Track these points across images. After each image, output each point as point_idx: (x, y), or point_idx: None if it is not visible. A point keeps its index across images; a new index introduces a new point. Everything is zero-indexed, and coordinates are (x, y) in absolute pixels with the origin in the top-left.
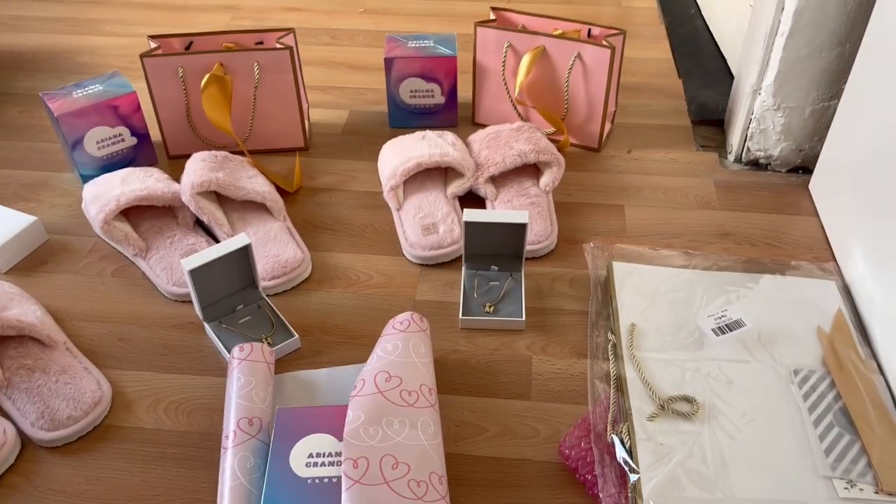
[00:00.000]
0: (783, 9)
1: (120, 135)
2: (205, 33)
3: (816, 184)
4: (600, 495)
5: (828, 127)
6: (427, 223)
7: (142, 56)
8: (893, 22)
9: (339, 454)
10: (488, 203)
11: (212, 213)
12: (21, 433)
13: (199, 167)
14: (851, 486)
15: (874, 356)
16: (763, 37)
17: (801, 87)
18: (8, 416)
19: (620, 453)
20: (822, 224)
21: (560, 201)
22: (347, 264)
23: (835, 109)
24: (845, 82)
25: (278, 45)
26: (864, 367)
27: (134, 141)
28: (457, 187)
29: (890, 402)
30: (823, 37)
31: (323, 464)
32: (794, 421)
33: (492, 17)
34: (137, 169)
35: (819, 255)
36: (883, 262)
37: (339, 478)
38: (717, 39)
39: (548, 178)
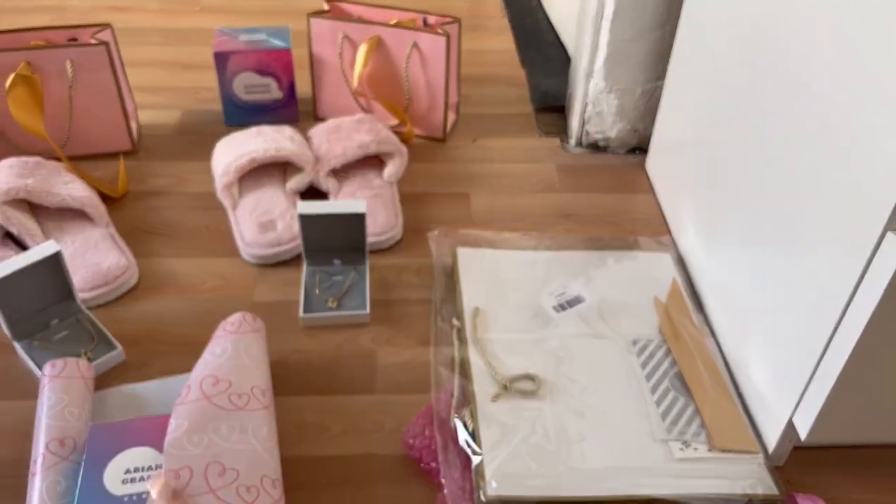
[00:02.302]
0: None
1: None
2: (9, 31)
3: (651, 162)
4: (443, 481)
5: (658, 107)
6: (264, 220)
7: None
8: (704, 3)
9: (160, 467)
10: (331, 197)
11: (22, 224)
12: None
13: (5, 174)
14: (686, 447)
15: (707, 322)
16: (591, 21)
17: (629, 70)
18: None
19: (463, 436)
20: (657, 200)
21: (406, 192)
22: (180, 269)
23: (662, 90)
24: (669, 63)
25: (93, 41)
26: (697, 333)
27: None
28: (297, 182)
29: (721, 364)
30: (645, 19)
31: (142, 478)
32: (633, 389)
33: (325, 7)
34: None
35: (657, 229)
36: (710, 233)
37: None
38: (556, 29)
39: (391, 169)
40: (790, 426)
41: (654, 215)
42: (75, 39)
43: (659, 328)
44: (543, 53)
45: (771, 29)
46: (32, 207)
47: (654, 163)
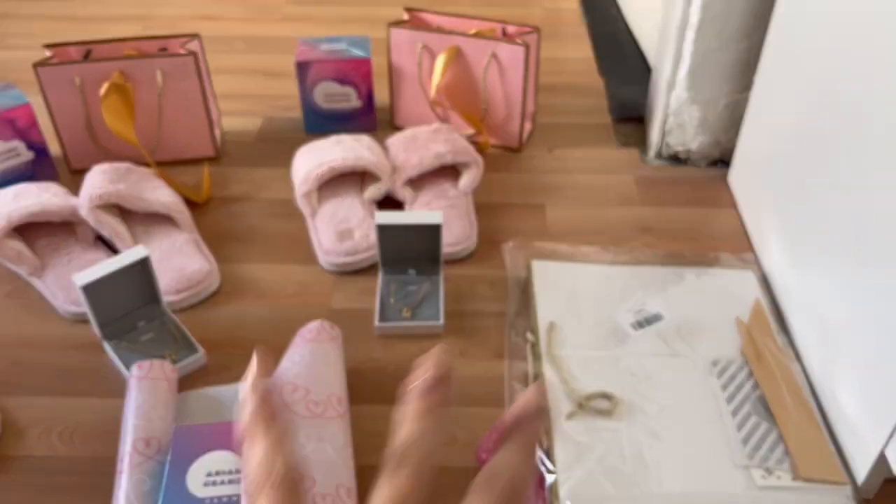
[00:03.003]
0: (691, 2)
1: (15, 149)
2: (104, 41)
3: (734, 176)
4: None
5: (743, 119)
6: (342, 229)
7: (35, 65)
8: (795, 13)
9: (239, 472)
10: (407, 207)
11: (113, 228)
12: None
13: (98, 179)
14: (769, 475)
15: (791, 344)
16: (674, 30)
17: (713, 80)
18: None
19: (537, 454)
20: (740, 216)
21: (481, 202)
22: (259, 275)
23: (748, 101)
24: (756, 74)
25: (182, 51)
26: (781, 356)
27: (31, 155)
28: (374, 192)
29: (807, 388)
30: (731, 29)
31: (222, 482)
32: (713, 412)
33: (405, 17)
34: (33, 184)
35: (738, 246)
36: (798, 251)
37: (239, 496)
38: (636, 38)
39: (466, 180)
40: (882, 458)
41: (736, 231)
42: (165, 49)
43: (741, 349)
44: (623, 62)
45: (869, 38)
46: (122, 211)
47: (738, 176)
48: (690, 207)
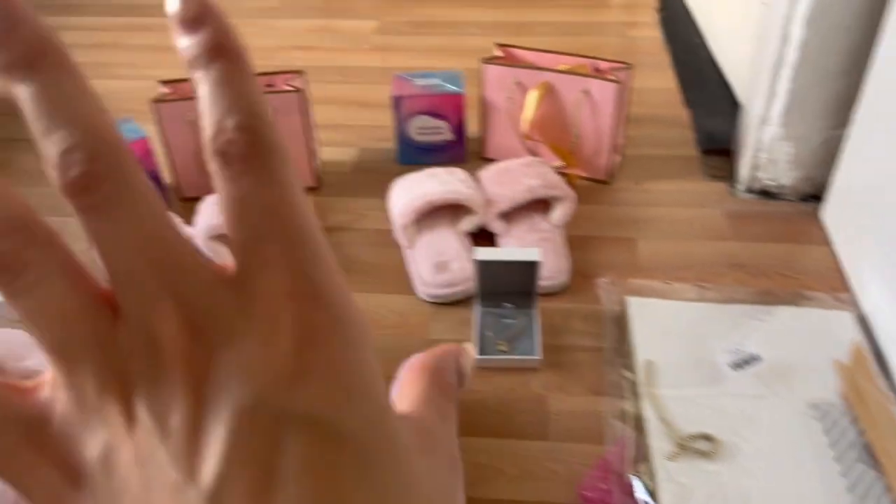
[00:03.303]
0: (788, 40)
1: None
2: None
3: (828, 212)
4: None
5: (838, 155)
6: (439, 261)
7: (153, 101)
8: None
9: None
10: (499, 239)
11: (226, 257)
12: None
13: (212, 211)
14: None
15: (894, 388)
16: (769, 67)
17: (809, 117)
18: None
19: (641, 495)
20: (834, 253)
21: (571, 235)
22: (361, 304)
23: (845, 138)
24: (854, 111)
25: (288, 88)
26: (885, 401)
27: None
28: (468, 224)
29: None
30: (830, 67)
31: None
32: (816, 457)
33: (497, 53)
34: None
35: (833, 284)
36: None
37: None
38: (722, 68)
39: (559, 213)
40: None
41: (830, 268)
42: (271, 85)
43: (841, 393)
44: (708, 93)
45: None
46: None
47: (833, 213)
48: (782, 243)
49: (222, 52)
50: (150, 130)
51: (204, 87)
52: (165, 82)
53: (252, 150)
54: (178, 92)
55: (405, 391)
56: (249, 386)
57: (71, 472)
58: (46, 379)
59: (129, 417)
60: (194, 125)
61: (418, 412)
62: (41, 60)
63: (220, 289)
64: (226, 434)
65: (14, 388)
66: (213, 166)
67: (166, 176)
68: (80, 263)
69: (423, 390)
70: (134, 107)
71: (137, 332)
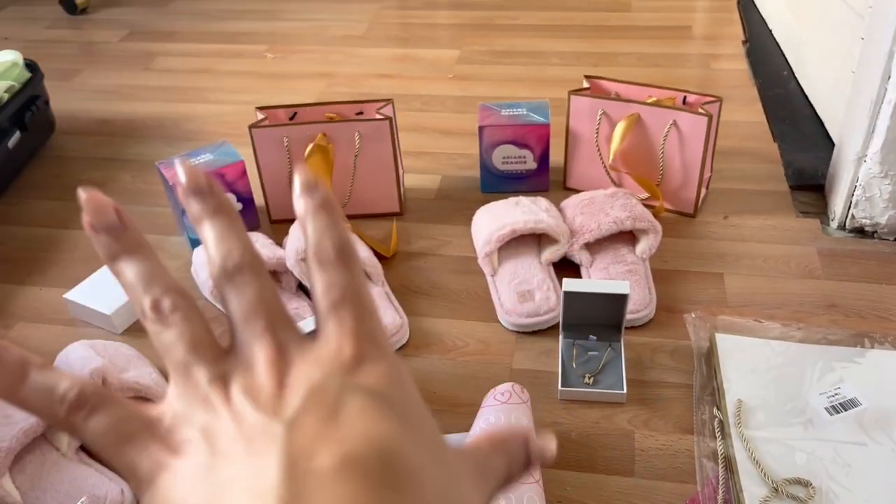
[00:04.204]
0: (889, 77)
1: None
2: (308, 104)
3: None
4: None
5: None
6: (522, 290)
7: (250, 127)
8: None
9: None
10: (583, 270)
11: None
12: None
13: (300, 235)
14: None
15: None
16: (868, 104)
17: None
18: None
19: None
20: None
21: (656, 268)
22: (444, 330)
23: None
24: None
25: (378, 116)
26: None
27: (239, 206)
28: (551, 254)
29: None
30: None
31: None
32: None
33: (585, 84)
34: None
35: None
36: None
37: None
38: (812, 102)
39: (644, 245)
40: None
41: None
42: (361, 112)
43: None
44: (798, 127)
45: None
46: None
47: None
48: (878, 284)
49: (326, 206)
50: (244, 154)
51: (309, 222)
52: (261, 108)
53: (343, 259)
54: (273, 118)
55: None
56: (320, 370)
57: (173, 445)
58: (166, 399)
59: (227, 399)
60: (287, 150)
61: (477, 445)
62: (219, 209)
63: (302, 335)
64: (302, 394)
65: (141, 403)
66: (314, 267)
67: (258, 198)
68: (201, 309)
69: (488, 442)
70: (227, 130)
71: (244, 351)
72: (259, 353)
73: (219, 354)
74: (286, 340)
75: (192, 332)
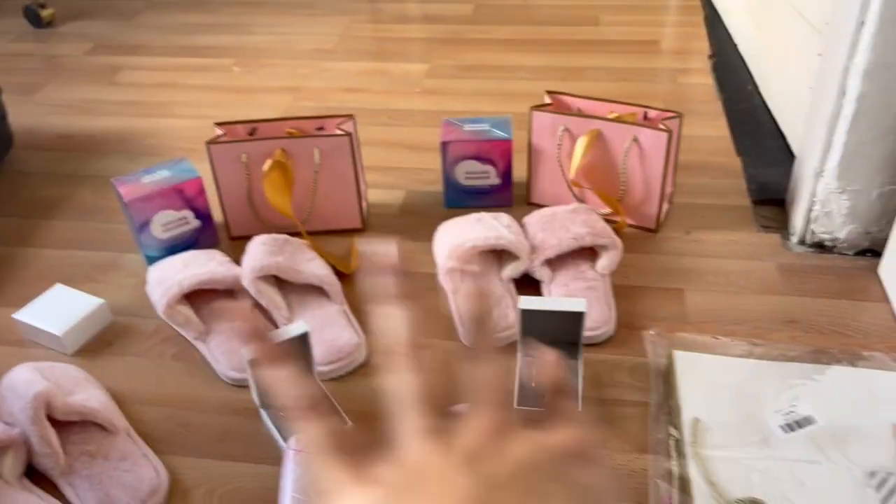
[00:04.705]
0: (845, 93)
1: (184, 217)
2: (268, 120)
3: (887, 268)
4: None
5: None
6: None
7: (207, 143)
8: None
9: None
10: (544, 286)
11: (271, 298)
12: None
13: (259, 251)
14: None
15: None
16: (825, 120)
17: (866, 171)
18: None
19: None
20: (893, 311)
21: (618, 284)
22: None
23: None
24: None
25: (338, 132)
26: None
27: (198, 223)
28: (512, 270)
29: None
30: (888, 121)
31: None
32: None
33: (547, 100)
34: (200, 252)
35: (892, 344)
36: None
37: None
38: (775, 117)
39: (605, 262)
40: None
41: (889, 328)
42: (322, 128)
43: None
44: (761, 142)
45: None
46: (279, 281)
47: (892, 269)
48: (838, 299)
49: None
50: (203, 169)
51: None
52: (220, 124)
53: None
54: (231, 134)
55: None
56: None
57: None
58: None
59: (360, 478)
60: (245, 167)
61: None
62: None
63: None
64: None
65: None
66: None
67: (216, 214)
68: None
69: None
70: (189, 145)
71: (389, 437)
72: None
73: (357, 441)
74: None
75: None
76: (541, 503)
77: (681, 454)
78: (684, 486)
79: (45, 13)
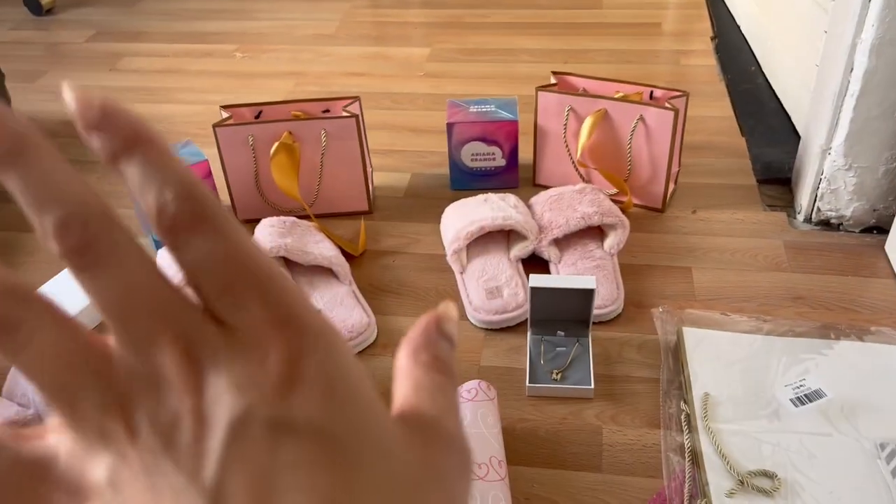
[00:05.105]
0: (852, 69)
1: None
2: (274, 102)
3: (893, 245)
4: None
5: None
6: (491, 287)
7: (214, 126)
8: None
9: None
10: (552, 266)
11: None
12: None
13: (267, 233)
14: None
15: None
16: (832, 97)
17: (873, 147)
18: None
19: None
20: None
21: (625, 263)
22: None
23: None
24: None
25: (344, 113)
26: None
27: None
28: (520, 250)
29: None
30: (895, 96)
31: None
32: (883, 499)
33: (552, 80)
34: None
35: None
36: None
37: None
38: (779, 97)
39: (612, 241)
40: None
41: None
42: (328, 110)
43: None
44: (765, 121)
45: None
46: (288, 263)
47: None
48: (844, 276)
49: (139, 141)
50: (209, 154)
51: (133, 176)
52: (225, 107)
53: (197, 215)
54: (238, 117)
55: (398, 384)
56: (241, 399)
57: (79, 494)
58: (50, 427)
59: (132, 435)
60: (252, 149)
61: (413, 404)
62: (21, 152)
63: (208, 324)
64: (223, 439)
65: (19, 436)
66: (166, 241)
67: (224, 198)
68: (67, 314)
69: (413, 378)
70: (194, 130)
71: (137, 364)
72: (161, 362)
73: (102, 365)
74: (199, 341)
75: (56, 340)
76: (277, 492)
77: (692, 428)
78: (696, 459)
79: (46, 0)
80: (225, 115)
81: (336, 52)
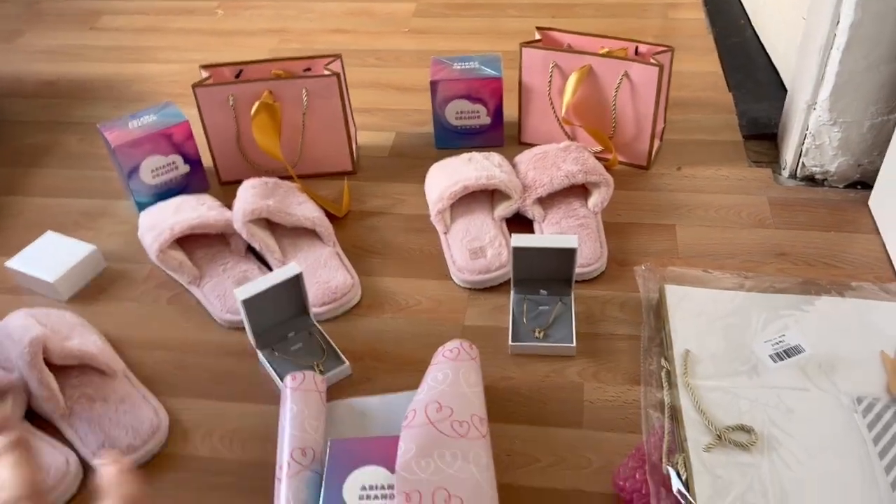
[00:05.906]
0: (838, 22)
1: (173, 163)
2: (254, 61)
3: (877, 200)
4: None
5: (888, 141)
6: (475, 247)
7: (194, 86)
8: None
9: (391, 487)
10: (536, 225)
11: (263, 241)
12: (82, 461)
13: (250, 195)
14: None
15: None
16: (817, 50)
17: (858, 102)
18: (70, 445)
19: (677, 485)
20: (883, 242)
21: (609, 221)
22: (396, 289)
23: (895, 123)
24: None
25: (325, 72)
26: None
27: (187, 168)
28: (504, 209)
29: None
30: (881, 50)
31: (376, 496)
32: (859, 453)
33: (537, 36)
34: (190, 197)
35: (881, 274)
36: None
37: None
38: (768, 51)
39: (596, 199)
40: None
41: (878, 259)
42: (310, 69)
43: (887, 387)
44: (753, 77)
45: None
46: (270, 224)
47: (882, 201)
48: (828, 232)
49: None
50: (190, 114)
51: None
52: (206, 67)
53: None
54: (217, 76)
55: None
56: None
57: None
58: None
59: None
60: (233, 109)
61: None
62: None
63: None
64: None
65: None
66: None
67: (205, 159)
68: None
69: None
70: (175, 90)
71: None
72: None
73: None
74: None
75: None
76: None
77: (672, 385)
78: (675, 415)
79: None
80: (205, 74)
81: (320, 8)
